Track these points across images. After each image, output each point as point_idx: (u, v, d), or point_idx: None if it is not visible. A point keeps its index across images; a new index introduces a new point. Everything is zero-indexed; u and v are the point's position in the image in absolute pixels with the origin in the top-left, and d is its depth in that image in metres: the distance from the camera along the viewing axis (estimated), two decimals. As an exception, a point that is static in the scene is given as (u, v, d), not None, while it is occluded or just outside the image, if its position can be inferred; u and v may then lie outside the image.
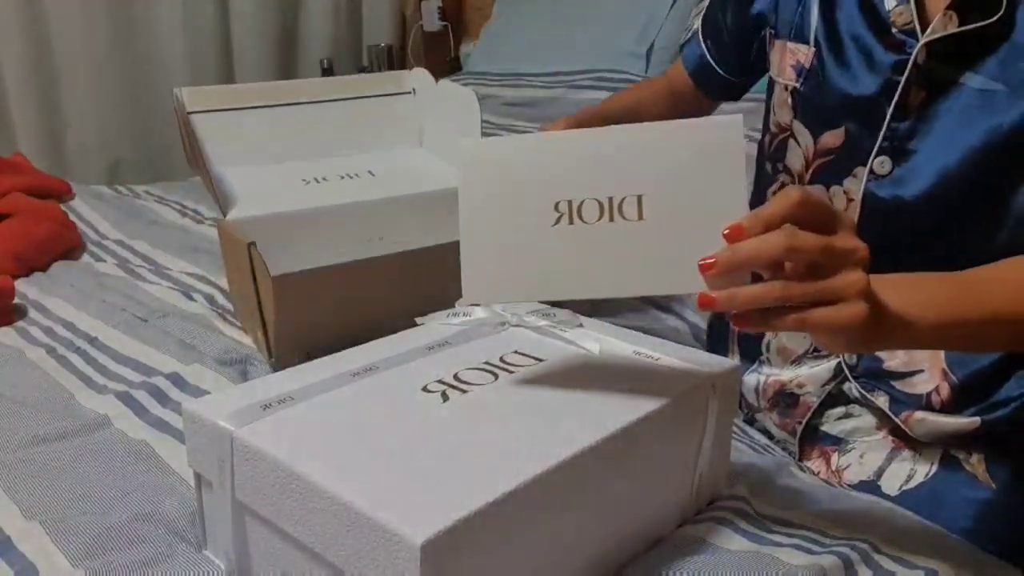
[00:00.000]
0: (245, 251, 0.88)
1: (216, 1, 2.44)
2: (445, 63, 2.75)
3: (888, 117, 0.74)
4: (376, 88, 1.21)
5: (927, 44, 0.71)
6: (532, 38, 2.22)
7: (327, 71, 2.63)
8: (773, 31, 0.86)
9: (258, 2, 2.49)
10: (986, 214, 0.72)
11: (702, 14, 1.00)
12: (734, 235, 0.53)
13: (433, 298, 0.78)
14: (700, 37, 0.99)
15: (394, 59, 2.77)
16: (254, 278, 0.89)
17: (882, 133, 0.74)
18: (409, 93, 1.22)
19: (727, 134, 0.56)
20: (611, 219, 0.57)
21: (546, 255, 0.59)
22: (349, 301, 0.91)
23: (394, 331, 0.74)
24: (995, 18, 0.68)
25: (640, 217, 0.57)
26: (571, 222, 0.58)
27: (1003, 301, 0.62)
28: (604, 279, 0.58)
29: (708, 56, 0.98)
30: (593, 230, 0.58)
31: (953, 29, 0.70)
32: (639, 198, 0.57)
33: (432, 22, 2.79)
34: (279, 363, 0.91)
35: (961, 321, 0.60)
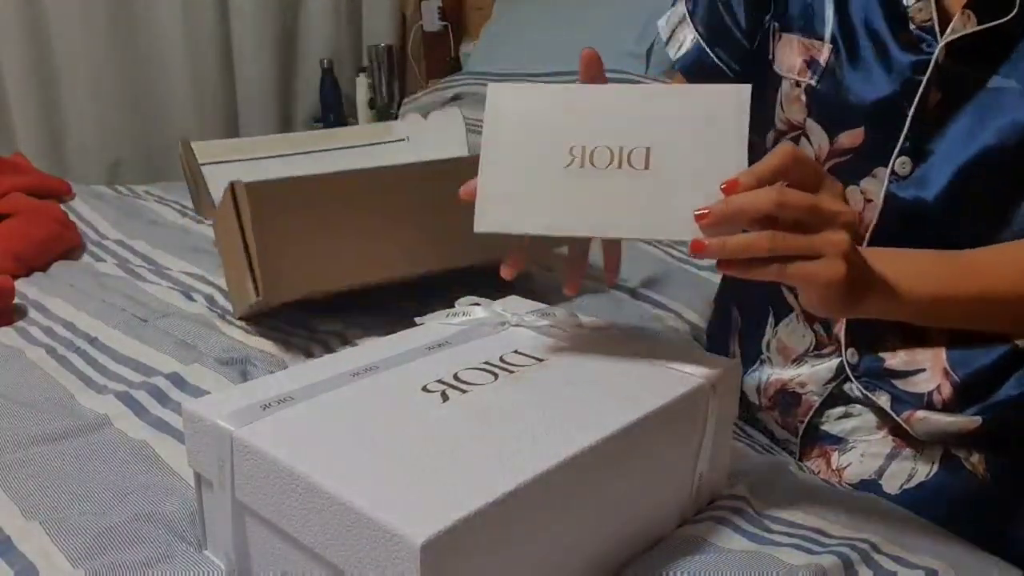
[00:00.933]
0: (230, 201, 0.88)
1: (216, 1, 2.44)
2: (445, 63, 2.75)
3: (910, 118, 0.73)
4: (370, 138, 1.26)
5: (946, 43, 0.71)
6: (532, 38, 2.23)
7: (327, 71, 2.63)
8: (778, 23, 0.84)
9: (258, 2, 2.50)
10: (1004, 210, 0.71)
11: (698, 23, 0.91)
12: (730, 189, 0.57)
13: (425, 227, 0.77)
14: (707, 47, 0.90)
15: (394, 59, 2.77)
16: (239, 220, 0.89)
17: (904, 134, 0.73)
18: (402, 140, 1.27)
19: (735, 99, 0.62)
20: (619, 166, 0.63)
21: (557, 193, 0.63)
22: (334, 225, 0.91)
23: (388, 275, 0.74)
24: (1010, 16, 0.68)
25: (647, 167, 0.62)
26: (582, 165, 0.63)
27: (1001, 280, 0.64)
28: (609, 220, 0.62)
29: (720, 64, 0.90)
30: (602, 174, 0.63)
31: (972, 28, 0.69)
32: (647, 149, 0.62)
33: (432, 22, 2.79)
34: (266, 301, 0.89)
35: (955, 297, 0.64)
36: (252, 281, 0.90)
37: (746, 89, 0.62)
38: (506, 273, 0.68)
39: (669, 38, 0.94)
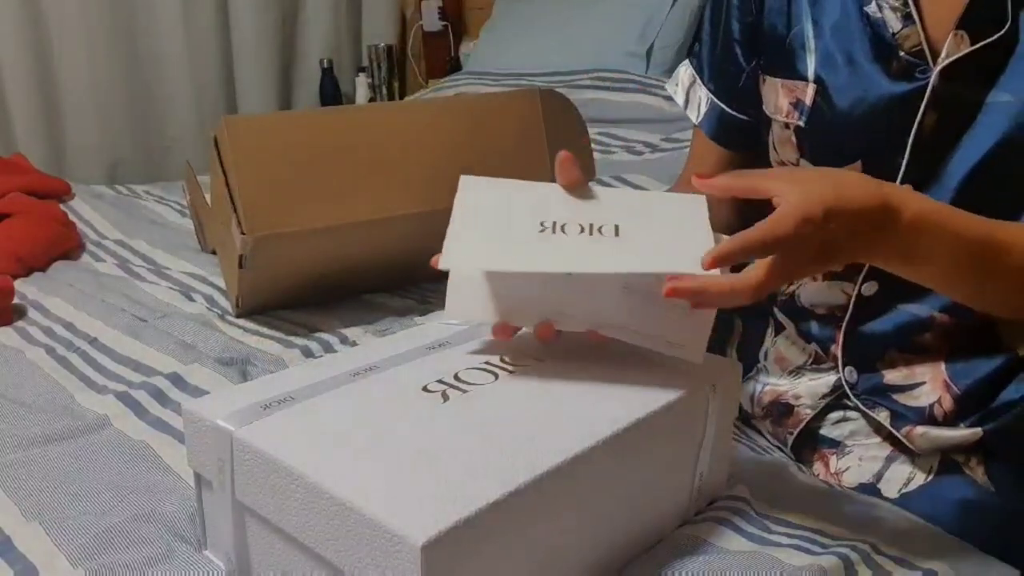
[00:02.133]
0: (215, 155, 0.89)
1: (216, 1, 2.44)
2: (445, 63, 2.74)
3: (910, 145, 0.71)
4: None
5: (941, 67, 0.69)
6: (532, 38, 2.22)
7: (327, 71, 2.63)
8: (761, 66, 0.82)
9: (258, 2, 2.49)
10: (1010, 216, 0.70)
11: (708, 81, 0.90)
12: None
13: (406, 169, 0.76)
14: (724, 106, 0.89)
15: (394, 59, 2.77)
16: (222, 166, 0.90)
17: (905, 161, 0.72)
18: None
19: (696, 207, 0.67)
20: (590, 234, 0.65)
21: (528, 247, 0.64)
22: (316, 162, 0.92)
23: (369, 215, 0.76)
24: (1003, 31, 0.66)
25: (616, 235, 0.65)
26: (554, 232, 0.65)
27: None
28: (581, 259, 0.63)
29: (740, 115, 0.89)
30: (573, 238, 0.64)
31: (967, 49, 0.68)
32: (616, 226, 0.65)
33: (432, 22, 2.79)
34: (252, 243, 0.90)
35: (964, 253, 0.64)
36: (237, 223, 0.90)
37: (703, 200, 0.67)
38: (500, 334, 0.68)
39: (686, 102, 0.93)
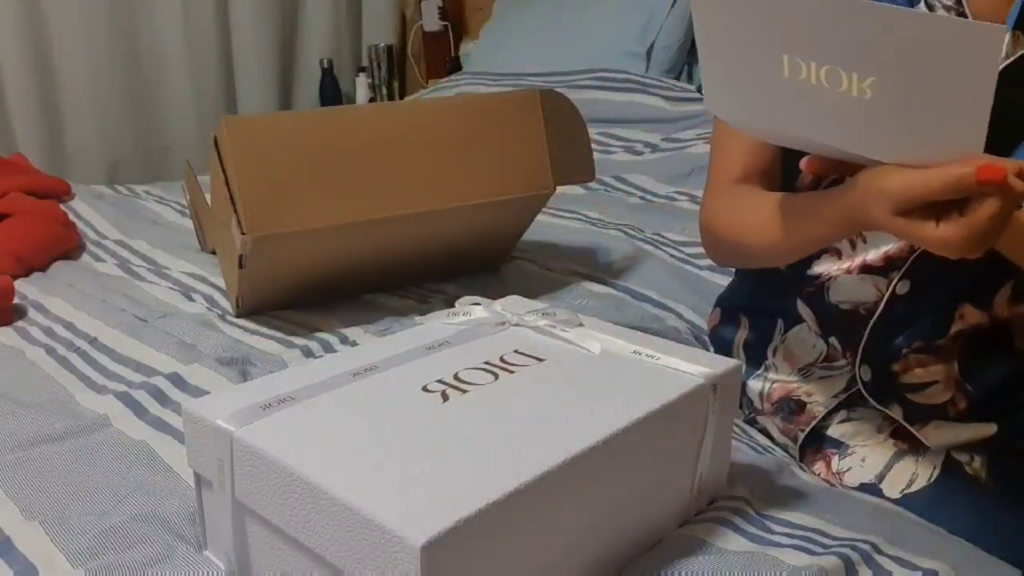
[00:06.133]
0: (218, 165, 0.89)
1: (216, 1, 2.44)
2: (445, 63, 2.74)
3: None
4: None
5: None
6: (532, 38, 2.22)
7: (327, 71, 2.63)
8: None
9: (258, 2, 2.50)
10: None
11: None
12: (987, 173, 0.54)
13: (406, 168, 0.76)
14: None
15: (394, 59, 2.77)
16: (222, 166, 0.90)
17: None
18: None
19: (988, 40, 0.51)
20: (838, 88, 0.57)
21: (775, 95, 0.61)
22: (316, 161, 0.92)
23: (371, 215, 0.74)
24: None
25: (867, 94, 0.56)
26: (800, 76, 0.58)
27: None
28: (827, 128, 0.60)
29: None
30: (819, 89, 0.58)
31: (1023, 50, 0.67)
32: (869, 80, 0.55)
33: (432, 22, 2.79)
34: (252, 244, 0.90)
35: None
36: (237, 223, 0.90)
37: (1002, 30, 0.51)
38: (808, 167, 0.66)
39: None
